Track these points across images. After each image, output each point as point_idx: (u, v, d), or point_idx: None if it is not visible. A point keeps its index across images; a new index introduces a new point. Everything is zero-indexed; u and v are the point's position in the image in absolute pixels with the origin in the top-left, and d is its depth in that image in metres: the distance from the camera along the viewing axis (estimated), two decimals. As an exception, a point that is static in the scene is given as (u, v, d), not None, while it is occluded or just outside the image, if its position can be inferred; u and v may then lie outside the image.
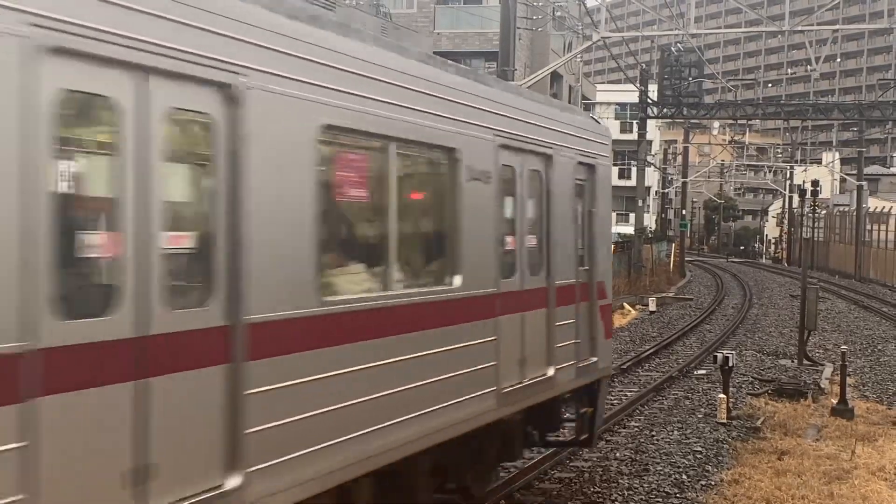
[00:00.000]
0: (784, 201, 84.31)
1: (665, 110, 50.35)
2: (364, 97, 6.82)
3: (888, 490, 11.91)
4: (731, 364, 16.56)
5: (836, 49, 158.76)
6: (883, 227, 56.76)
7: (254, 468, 5.74)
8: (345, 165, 7.35)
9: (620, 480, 12.13)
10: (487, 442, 9.29)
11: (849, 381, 17.97)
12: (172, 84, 5.20)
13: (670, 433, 14.91)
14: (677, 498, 11.55)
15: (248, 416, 5.70)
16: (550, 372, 9.95)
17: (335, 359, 6.50)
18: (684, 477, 12.43)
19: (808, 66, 50.58)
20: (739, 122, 64.82)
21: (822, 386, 19.35)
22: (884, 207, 58.91)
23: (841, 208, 72.23)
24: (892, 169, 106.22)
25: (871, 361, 23.73)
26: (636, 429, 15.19)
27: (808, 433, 15.16)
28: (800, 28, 30.96)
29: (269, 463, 5.88)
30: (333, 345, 6.49)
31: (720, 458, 13.55)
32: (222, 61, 5.50)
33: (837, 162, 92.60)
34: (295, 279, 6.14)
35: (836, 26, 42.71)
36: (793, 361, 22.72)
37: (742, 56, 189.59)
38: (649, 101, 49.26)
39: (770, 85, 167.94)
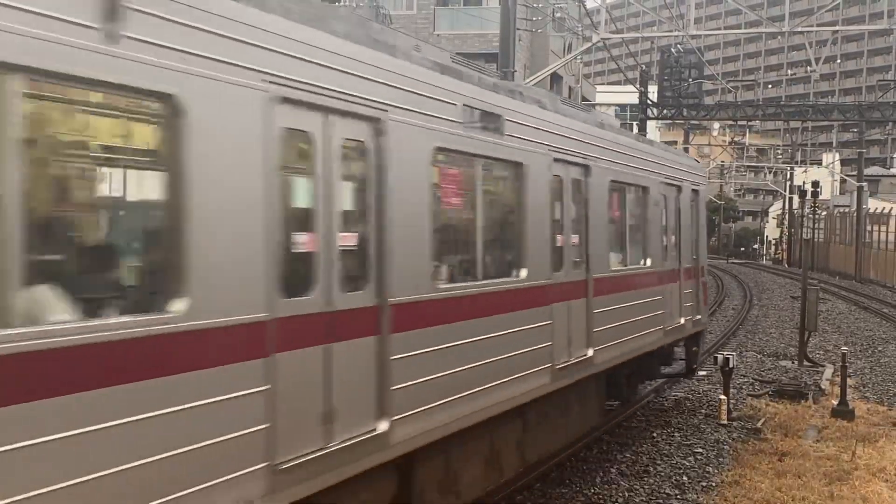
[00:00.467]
0: (784, 202, 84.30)
1: (665, 111, 50.35)
2: (463, 124, 8.59)
3: (889, 491, 11.91)
4: (731, 365, 16.57)
5: (836, 50, 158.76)
6: (883, 228, 56.76)
7: (397, 417, 7.34)
8: (448, 179, 9.04)
9: (621, 482, 12.14)
10: (649, 361, 15.27)
11: (849, 382, 17.97)
12: (343, 120, 6.86)
13: (671, 434, 14.91)
14: (678, 499, 11.55)
15: (392, 376, 7.32)
16: (682, 321, 16.00)
17: (449, 331, 8.27)
18: (685, 478, 12.43)
19: (808, 68, 50.58)
20: (739, 123, 64.86)
21: (823, 387, 19.34)
22: (884, 208, 58.92)
23: (841, 209, 72.25)
24: (892, 170, 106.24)
25: (871, 362, 23.72)
26: (636, 430, 15.19)
27: (808, 434, 15.16)
28: (800, 29, 30.93)
29: (407, 413, 7.52)
30: (445, 322, 8.22)
31: (721, 459, 13.55)
32: (374, 101, 7.18)
33: (837, 163, 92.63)
34: (419, 270, 7.82)
35: (836, 27, 42.71)
36: (793, 362, 22.71)
37: (742, 57, 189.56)
38: (649, 102, 49.27)
39: (770, 86, 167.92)
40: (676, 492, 11.83)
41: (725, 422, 15.73)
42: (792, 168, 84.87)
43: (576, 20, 46.53)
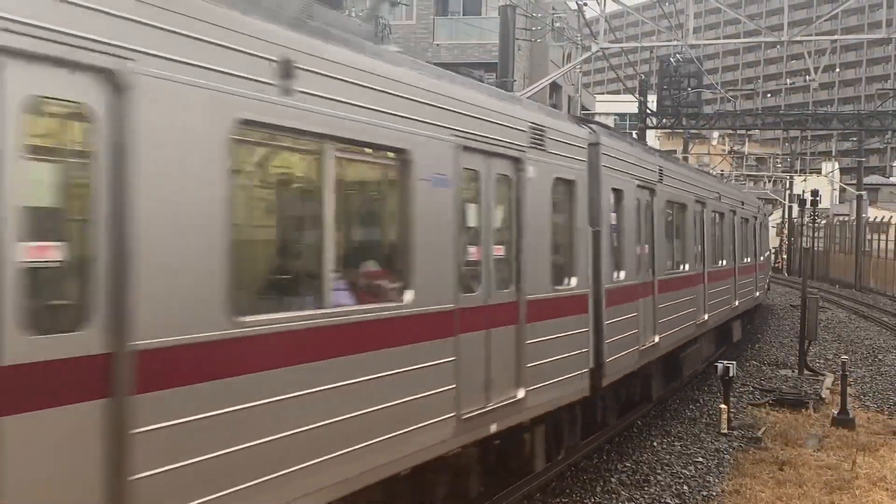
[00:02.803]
0: (784, 211, 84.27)
1: (664, 121, 50.35)
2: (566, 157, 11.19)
3: (889, 500, 11.90)
4: (731, 374, 16.56)
5: (835, 59, 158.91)
6: (883, 236, 56.72)
7: (529, 388, 9.88)
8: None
9: (621, 491, 12.12)
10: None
11: (849, 390, 17.96)
12: (496, 160, 9.46)
13: (671, 443, 14.89)
14: (678, 509, 11.53)
15: (527, 357, 9.86)
16: (757, 294, 27.35)
17: (561, 324, 10.79)
18: (685, 487, 12.42)
19: (807, 77, 50.65)
20: (739, 132, 64.86)
21: (823, 396, 19.33)
22: (883, 217, 58.90)
23: (841, 218, 72.21)
24: (891, 178, 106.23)
25: (871, 371, 23.70)
26: (637, 439, 15.17)
27: (808, 443, 15.14)
28: (798, 38, 30.98)
29: (535, 387, 10.01)
30: (559, 317, 10.78)
31: (721, 468, 13.54)
32: (513, 143, 9.77)
33: (837, 172, 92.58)
34: (542, 272, 10.40)
35: (835, 36, 42.88)
36: (793, 371, 22.69)
37: (741, 66, 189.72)
38: (648, 111, 49.28)
39: (769, 95, 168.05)
40: (677, 501, 11.81)
41: (726, 431, 15.71)
42: (791, 177, 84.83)
43: (575, 30, 46.57)
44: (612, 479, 12.61)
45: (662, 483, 12.57)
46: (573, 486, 12.20)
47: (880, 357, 26.38)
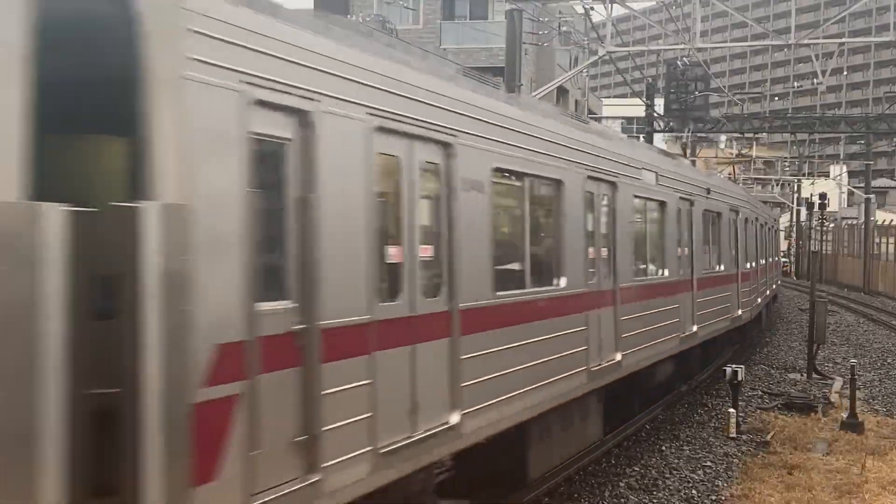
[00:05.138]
0: (791, 214, 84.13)
1: (671, 124, 50.32)
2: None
3: (899, 504, 11.85)
4: (739, 378, 16.52)
5: (843, 62, 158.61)
6: (891, 239, 56.56)
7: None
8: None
9: (630, 496, 12.09)
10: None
11: (858, 394, 17.89)
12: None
13: (680, 448, 14.86)
14: (687, 513, 11.51)
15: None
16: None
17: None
18: (694, 492, 12.39)
19: (815, 80, 50.55)
20: (746, 135, 64.77)
21: (832, 400, 19.27)
22: (892, 220, 58.74)
23: (849, 221, 72.05)
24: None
25: (880, 375, 23.63)
26: (645, 443, 15.14)
27: (817, 447, 15.10)
28: (806, 41, 30.92)
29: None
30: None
31: (730, 472, 13.50)
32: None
33: (845, 175, 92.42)
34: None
35: (842, 39, 42.75)
36: (802, 375, 22.64)
37: (748, 70, 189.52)
38: (656, 115, 49.25)
39: (776, 98, 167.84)
40: (685, 506, 11.78)
41: (734, 435, 15.67)
42: (799, 180, 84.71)
43: (582, 34, 46.58)
44: (621, 484, 12.58)
45: (671, 487, 12.54)
46: (581, 491, 12.18)
47: (889, 361, 26.29)
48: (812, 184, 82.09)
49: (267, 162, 6.07)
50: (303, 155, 6.32)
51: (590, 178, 11.89)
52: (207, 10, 5.49)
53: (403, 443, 7.36)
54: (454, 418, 8.19)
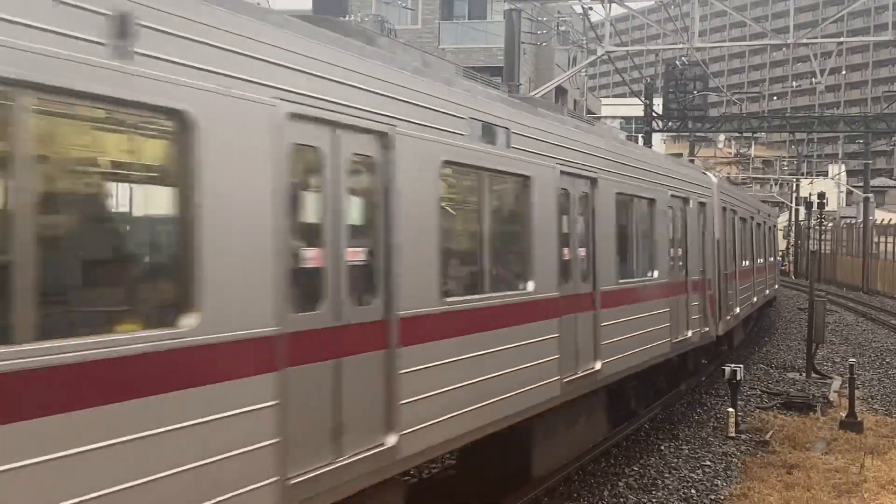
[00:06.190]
0: (790, 214, 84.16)
1: (670, 124, 50.33)
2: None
3: (898, 503, 11.86)
4: (738, 378, 16.52)
5: (841, 61, 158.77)
6: (890, 239, 56.60)
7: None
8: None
9: (629, 495, 12.10)
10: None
11: (857, 394, 17.90)
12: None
13: (679, 447, 14.87)
14: (686, 512, 11.51)
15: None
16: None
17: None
18: (693, 491, 12.40)
19: (813, 79, 50.51)
20: (745, 135, 64.81)
21: (831, 399, 19.28)
22: (891, 219, 58.78)
23: (847, 220, 72.10)
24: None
25: (879, 374, 23.64)
26: (644, 443, 15.15)
27: (816, 447, 15.11)
28: (804, 41, 30.91)
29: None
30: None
31: (729, 472, 13.51)
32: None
33: (843, 174, 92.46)
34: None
35: (841, 39, 42.70)
36: (801, 374, 22.65)
37: (747, 69, 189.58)
38: (654, 114, 49.27)
39: (775, 98, 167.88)
40: (685, 505, 11.79)
41: (733, 434, 15.68)
42: (798, 180, 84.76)
43: (580, 33, 46.61)
44: (620, 483, 12.59)
45: (670, 487, 12.55)
46: (580, 490, 12.19)
47: (888, 360, 26.31)
48: (811, 183, 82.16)
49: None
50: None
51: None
52: None
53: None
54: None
